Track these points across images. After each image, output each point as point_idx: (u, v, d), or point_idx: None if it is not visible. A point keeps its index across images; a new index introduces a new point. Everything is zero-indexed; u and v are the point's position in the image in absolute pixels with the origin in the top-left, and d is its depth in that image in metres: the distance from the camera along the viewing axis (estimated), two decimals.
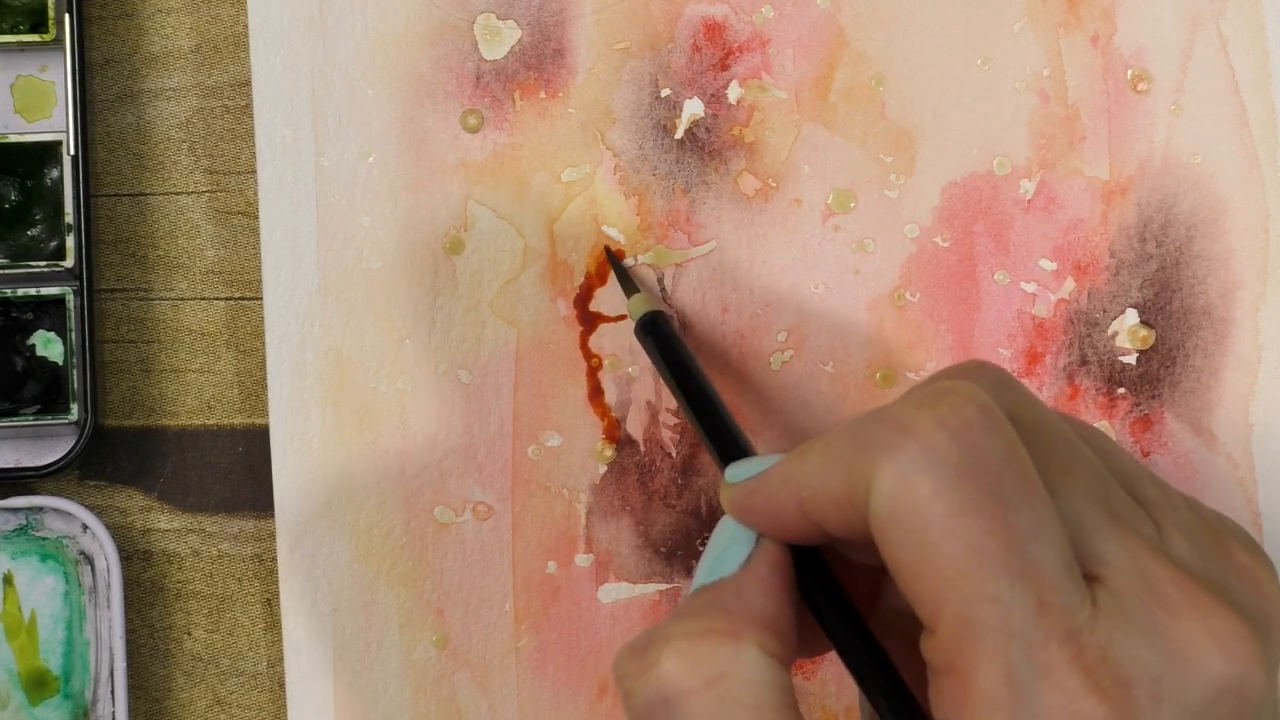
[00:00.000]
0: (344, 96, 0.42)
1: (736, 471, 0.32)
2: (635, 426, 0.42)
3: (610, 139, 0.43)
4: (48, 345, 0.42)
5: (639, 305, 0.40)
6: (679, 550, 0.42)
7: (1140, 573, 0.29)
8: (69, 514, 0.41)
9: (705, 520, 0.42)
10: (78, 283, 0.41)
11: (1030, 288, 0.43)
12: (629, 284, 0.41)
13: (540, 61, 0.43)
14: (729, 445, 0.36)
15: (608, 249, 0.42)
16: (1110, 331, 0.43)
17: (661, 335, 0.39)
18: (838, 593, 0.31)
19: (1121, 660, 0.27)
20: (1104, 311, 0.43)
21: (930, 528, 0.28)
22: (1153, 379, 0.43)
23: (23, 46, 0.42)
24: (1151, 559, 0.29)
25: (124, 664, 0.41)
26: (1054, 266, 0.43)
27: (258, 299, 0.43)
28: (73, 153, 0.41)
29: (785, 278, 0.43)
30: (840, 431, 0.30)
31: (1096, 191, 0.43)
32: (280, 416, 0.42)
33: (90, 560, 0.41)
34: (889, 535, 0.28)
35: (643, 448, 0.42)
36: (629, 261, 0.42)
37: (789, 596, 0.31)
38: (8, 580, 0.41)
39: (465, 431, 0.42)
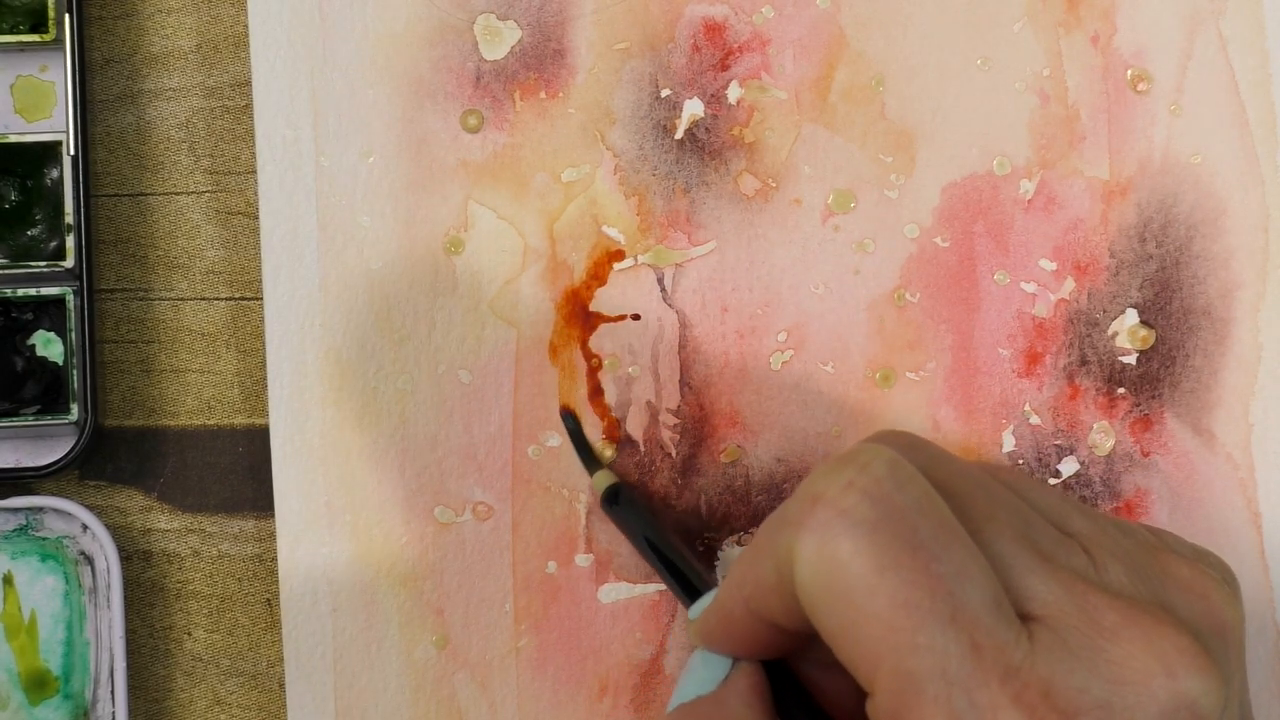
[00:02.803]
0: (344, 96, 0.42)
1: (697, 607, 0.34)
2: (635, 427, 0.42)
3: (610, 139, 0.43)
4: (48, 345, 0.42)
5: (602, 480, 0.41)
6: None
7: (1077, 605, 0.28)
8: (69, 514, 0.41)
9: (705, 520, 0.42)
10: (78, 283, 0.41)
11: (1030, 288, 0.43)
12: (591, 461, 0.42)
13: (540, 62, 0.43)
14: (693, 589, 0.38)
15: (565, 416, 0.42)
16: (1110, 331, 0.43)
17: (625, 505, 0.41)
18: (810, 704, 0.32)
19: (1065, 693, 0.27)
20: (1104, 311, 0.43)
21: (854, 588, 0.28)
22: (1153, 379, 0.43)
23: (23, 46, 0.42)
24: (1087, 590, 0.29)
25: (124, 664, 0.41)
26: (1054, 266, 0.43)
27: (258, 299, 0.43)
28: (73, 153, 0.41)
29: (785, 278, 0.43)
30: (765, 524, 0.30)
31: (1096, 191, 0.43)
32: (280, 416, 0.42)
33: (90, 560, 0.41)
34: (817, 605, 0.28)
35: (643, 448, 0.42)
36: (629, 262, 0.42)
37: (767, 710, 0.32)
38: (8, 580, 0.41)
39: (465, 431, 0.42)
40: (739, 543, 0.42)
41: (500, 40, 0.43)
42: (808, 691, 0.32)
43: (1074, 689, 0.27)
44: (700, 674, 0.32)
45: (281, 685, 0.42)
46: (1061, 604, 0.29)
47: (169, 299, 0.43)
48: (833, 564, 0.28)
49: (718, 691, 0.32)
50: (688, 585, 0.38)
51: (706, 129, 0.43)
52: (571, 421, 0.42)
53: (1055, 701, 0.27)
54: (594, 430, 0.42)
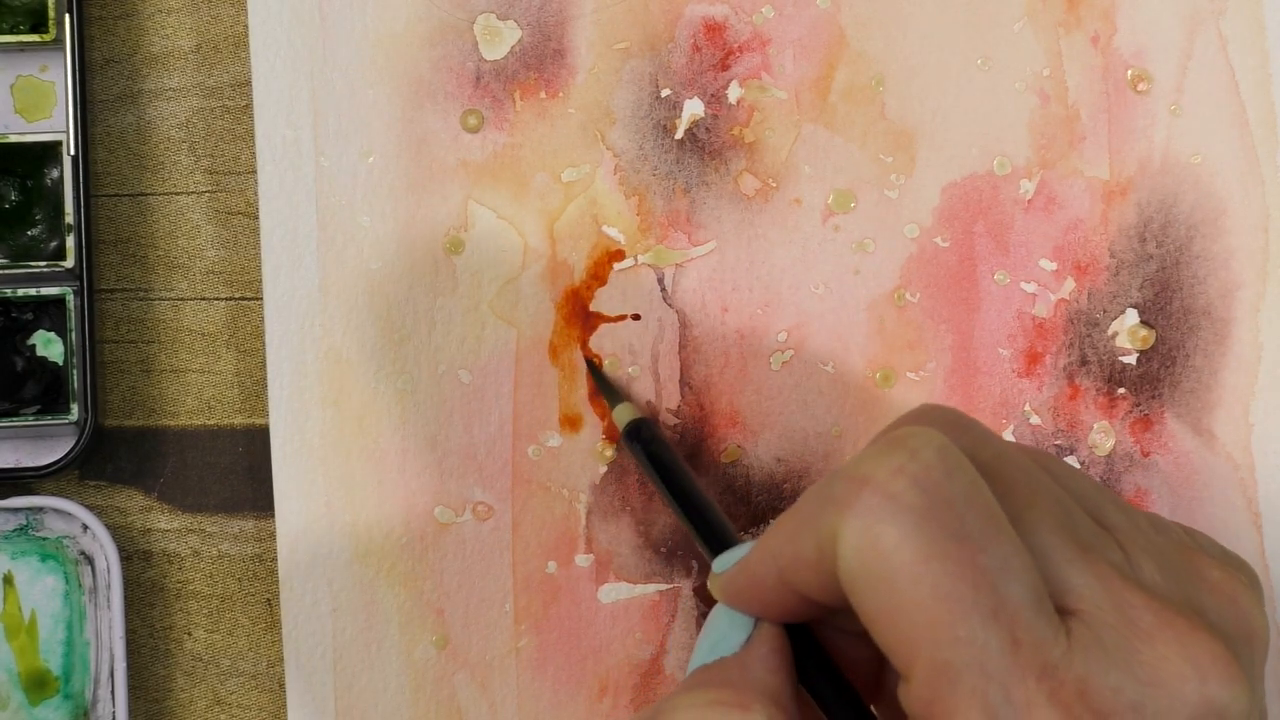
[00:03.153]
0: (344, 96, 0.42)
1: (723, 560, 0.33)
2: None
3: (610, 139, 0.43)
4: (48, 345, 0.42)
5: (624, 414, 0.40)
6: (679, 550, 0.42)
7: (1114, 602, 0.29)
8: (69, 514, 0.41)
9: None
10: (78, 283, 0.41)
11: (1030, 288, 0.43)
12: (612, 394, 0.41)
13: (540, 61, 0.43)
14: (716, 539, 0.37)
15: (589, 360, 0.42)
16: (1110, 331, 0.43)
17: (647, 442, 0.40)
18: (833, 671, 0.32)
19: (1100, 692, 0.27)
20: (1104, 311, 0.43)
21: (898, 575, 0.28)
22: (1153, 379, 0.43)
23: (23, 46, 0.42)
24: (1124, 587, 0.29)
25: (124, 664, 0.41)
26: (1054, 266, 0.43)
27: (258, 299, 0.43)
28: (73, 153, 0.41)
29: (785, 278, 0.43)
30: (806, 496, 0.30)
31: (1096, 191, 0.43)
32: (280, 416, 0.42)
33: (90, 560, 0.41)
34: (858, 588, 0.28)
35: None
36: (629, 262, 0.42)
37: (789, 675, 0.31)
38: (8, 580, 0.41)
39: (465, 431, 0.42)
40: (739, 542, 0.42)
41: (500, 40, 0.43)
42: (829, 656, 0.32)
43: (1109, 689, 0.27)
44: (723, 633, 0.32)
45: (281, 685, 0.42)
46: (1098, 599, 0.29)
47: (169, 299, 0.43)
48: (878, 549, 0.28)
49: (740, 654, 0.31)
50: (709, 532, 0.37)
51: (706, 129, 0.43)
52: (590, 364, 0.41)
53: (1090, 701, 0.27)
54: (594, 430, 0.42)
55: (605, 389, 0.41)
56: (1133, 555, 0.30)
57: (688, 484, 0.38)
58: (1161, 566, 0.30)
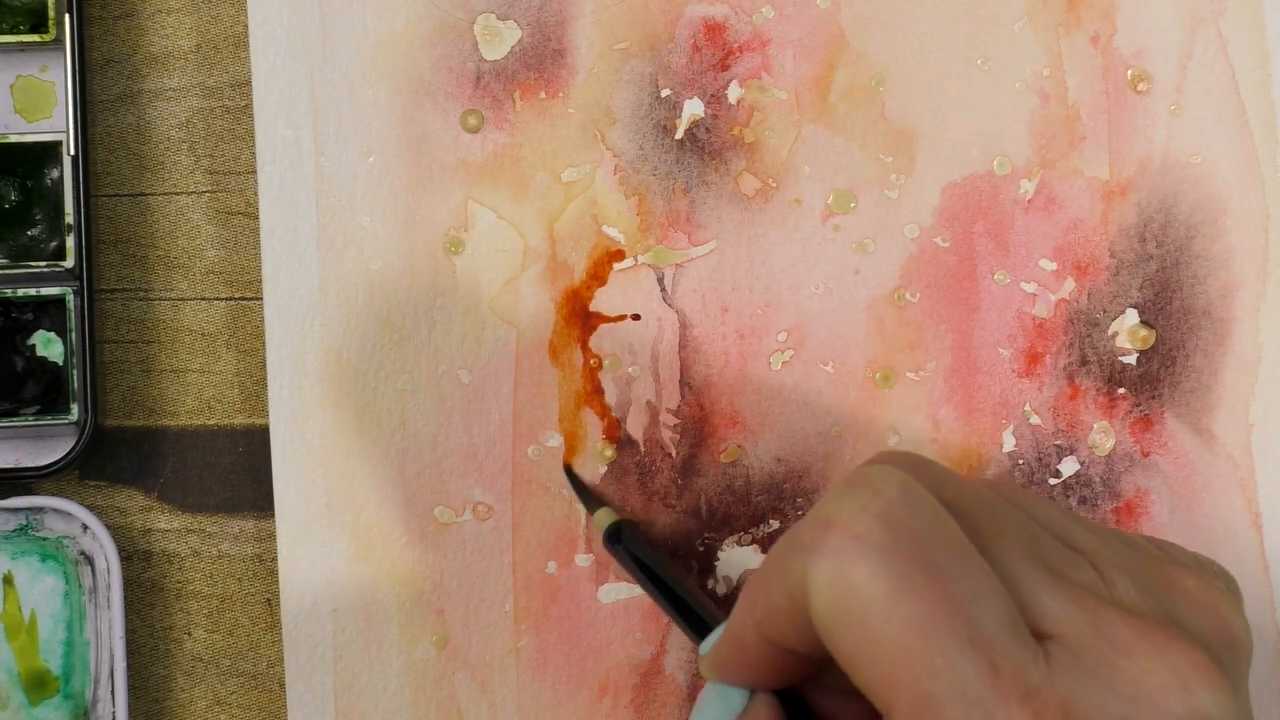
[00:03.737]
0: (344, 96, 0.42)
1: (707, 641, 0.33)
2: (635, 427, 0.42)
3: (610, 139, 0.43)
4: (48, 345, 0.42)
5: (604, 518, 0.41)
6: (679, 550, 0.42)
7: (1090, 621, 0.29)
8: (69, 514, 0.41)
9: (705, 520, 0.42)
10: (78, 283, 0.41)
11: (1030, 288, 0.43)
12: (590, 500, 0.41)
13: (540, 61, 0.43)
14: (703, 626, 0.37)
15: (567, 467, 0.42)
16: (1110, 331, 0.43)
17: (628, 542, 0.40)
18: None
19: (1084, 711, 0.27)
20: (1104, 311, 0.43)
21: (871, 613, 0.28)
22: (1153, 379, 0.43)
23: (23, 46, 0.42)
24: (1099, 606, 0.29)
25: (124, 664, 0.41)
26: (1054, 266, 0.43)
27: (258, 299, 0.43)
28: (73, 153, 0.41)
29: (785, 278, 0.43)
30: (775, 547, 0.30)
31: (1096, 191, 0.43)
32: (280, 416, 0.41)
33: (90, 560, 0.41)
34: (833, 629, 0.28)
35: (643, 448, 0.42)
36: (629, 262, 0.42)
37: None
38: (8, 580, 0.41)
39: (465, 431, 0.42)
40: (739, 543, 0.42)
41: (500, 40, 0.43)
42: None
43: (1092, 706, 0.27)
44: (715, 709, 0.32)
45: (281, 685, 0.42)
46: (1074, 621, 0.29)
47: (169, 299, 0.43)
48: (848, 589, 0.28)
49: None
50: (696, 621, 0.38)
51: (706, 129, 0.43)
52: (569, 471, 0.42)
53: None
54: (594, 430, 0.42)
55: (582, 495, 0.41)
56: (1106, 574, 0.30)
57: (670, 579, 0.39)
58: (1136, 582, 0.30)
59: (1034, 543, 0.30)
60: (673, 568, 0.40)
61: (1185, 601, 0.30)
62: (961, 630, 0.27)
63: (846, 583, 0.28)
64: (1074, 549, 0.31)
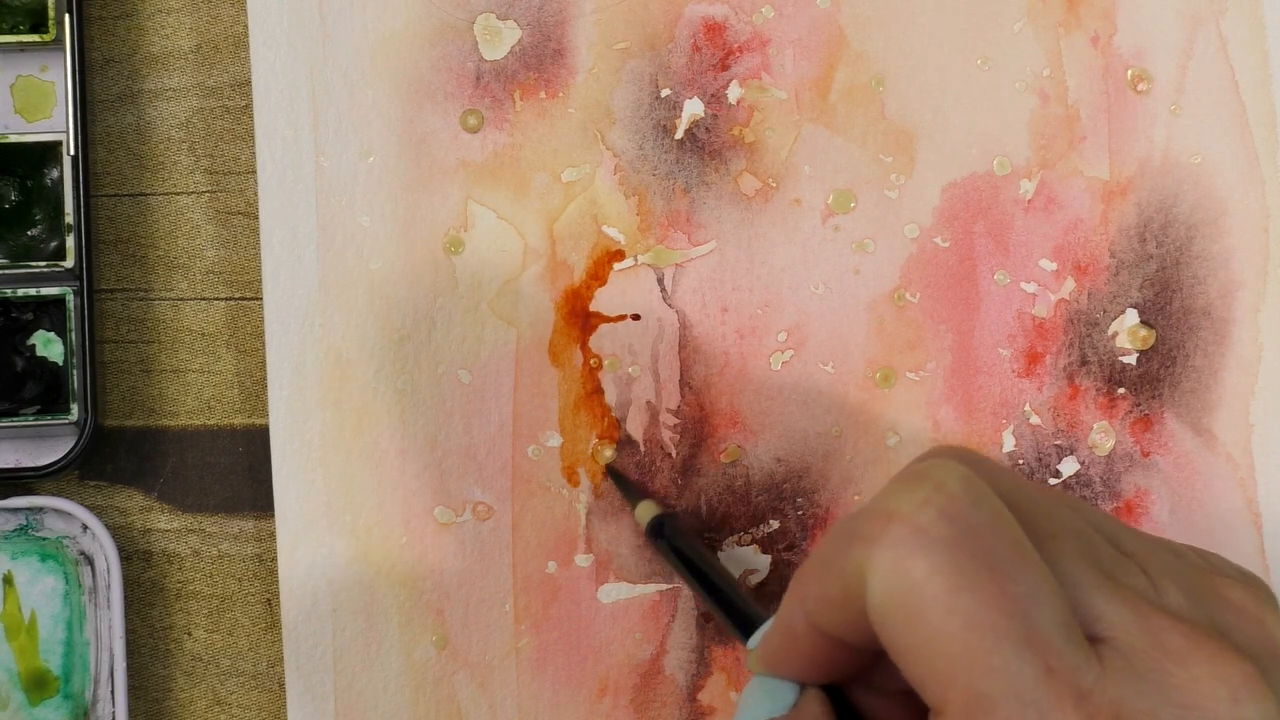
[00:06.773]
0: (344, 96, 0.42)
1: (756, 636, 0.33)
2: (635, 426, 0.42)
3: (610, 139, 0.43)
4: (48, 345, 0.42)
5: (646, 511, 0.41)
6: None
7: (1143, 627, 0.29)
8: (69, 514, 0.41)
9: (705, 520, 0.42)
10: (78, 283, 0.41)
11: (1030, 288, 0.43)
12: (633, 493, 0.41)
13: (540, 61, 0.43)
14: (748, 622, 0.37)
15: (609, 466, 0.42)
16: (1110, 331, 0.43)
17: (671, 537, 0.40)
18: None
19: (1135, 716, 0.27)
20: (1104, 311, 0.43)
21: (929, 608, 0.28)
22: (1153, 379, 0.43)
23: (23, 46, 0.42)
24: (1151, 612, 0.29)
25: (124, 664, 0.41)
26: (1054, 266, 0.43)
27: (258, 299, 0.43)
28: (73, 153, 0.41)
29: (785, 278, 0.43)
30: (828, 536, 0.30)
31: (1096, 191, 0.43)
32: (280, 416, 0.42)
33: (90, 560, 0.41)
34: (888, 623, 0.28)
35: (643, 448, 0.42)
36: (629, 262, 0.42)
37: None
38: (8, 580, 0.41)
39: (465, 431, 0.42)
40: (739, 543, 0.42)
41: (500, 40, 0.43)
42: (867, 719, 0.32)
43: (1143, 712, 0.27)
44: (762, 703, 0.32)
45: (281, 685, 0.42)
46: (1127, 625, 0.29)
47: (169, 299, 0.43)
48: (907, 582, 0.28)
49: (786, 717, 0.31)
50: (739, 615, 0.38)
51: (706, 129, 0.43)
52: (611, 470, 0.42)
53: None
54: (594, 430, 0.42)
55: (625, 488, 0.41)
56: (1156, 580, 0.30)
57: (714, 573, 0.39)
58: (1184, 590, 0.30)
59: (1088, 545, 0.30)
60: (719, 564, 0.39)
61: (1231, 612, 0.30)
62: (1019, 630, 0.27)
63: (906, 576, 0.28)
64: (1124, 554, 0.31)
